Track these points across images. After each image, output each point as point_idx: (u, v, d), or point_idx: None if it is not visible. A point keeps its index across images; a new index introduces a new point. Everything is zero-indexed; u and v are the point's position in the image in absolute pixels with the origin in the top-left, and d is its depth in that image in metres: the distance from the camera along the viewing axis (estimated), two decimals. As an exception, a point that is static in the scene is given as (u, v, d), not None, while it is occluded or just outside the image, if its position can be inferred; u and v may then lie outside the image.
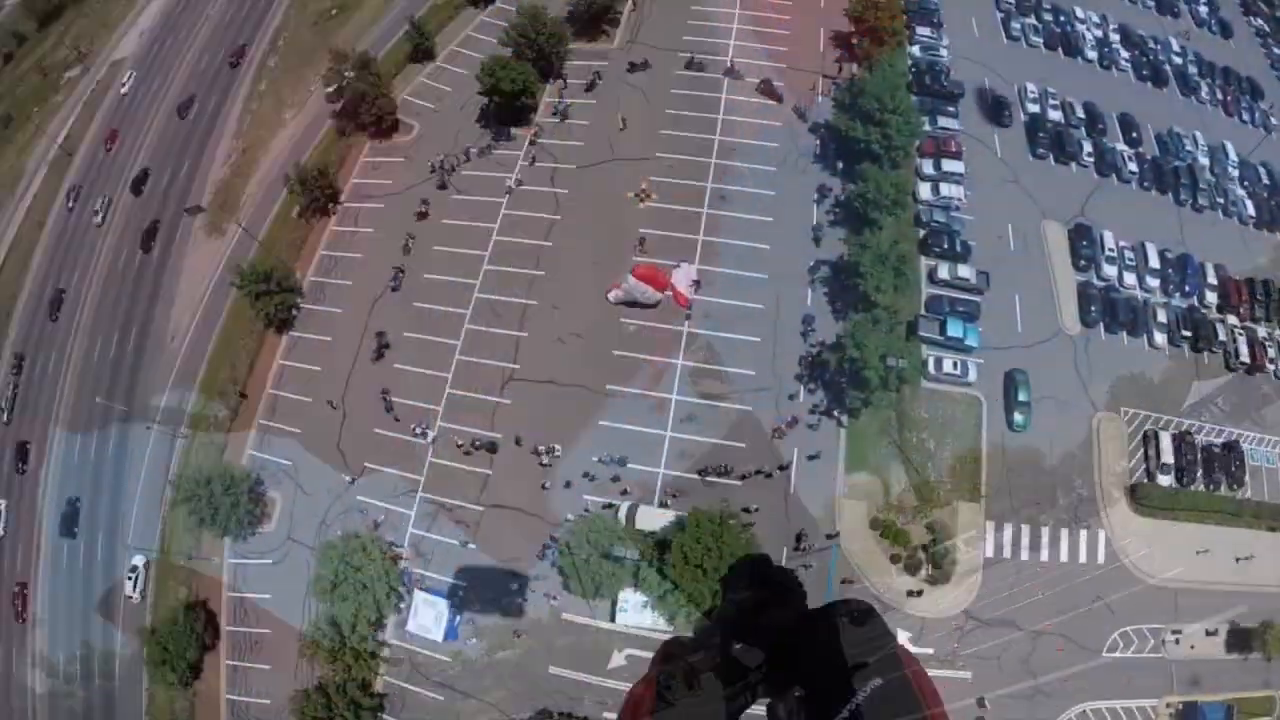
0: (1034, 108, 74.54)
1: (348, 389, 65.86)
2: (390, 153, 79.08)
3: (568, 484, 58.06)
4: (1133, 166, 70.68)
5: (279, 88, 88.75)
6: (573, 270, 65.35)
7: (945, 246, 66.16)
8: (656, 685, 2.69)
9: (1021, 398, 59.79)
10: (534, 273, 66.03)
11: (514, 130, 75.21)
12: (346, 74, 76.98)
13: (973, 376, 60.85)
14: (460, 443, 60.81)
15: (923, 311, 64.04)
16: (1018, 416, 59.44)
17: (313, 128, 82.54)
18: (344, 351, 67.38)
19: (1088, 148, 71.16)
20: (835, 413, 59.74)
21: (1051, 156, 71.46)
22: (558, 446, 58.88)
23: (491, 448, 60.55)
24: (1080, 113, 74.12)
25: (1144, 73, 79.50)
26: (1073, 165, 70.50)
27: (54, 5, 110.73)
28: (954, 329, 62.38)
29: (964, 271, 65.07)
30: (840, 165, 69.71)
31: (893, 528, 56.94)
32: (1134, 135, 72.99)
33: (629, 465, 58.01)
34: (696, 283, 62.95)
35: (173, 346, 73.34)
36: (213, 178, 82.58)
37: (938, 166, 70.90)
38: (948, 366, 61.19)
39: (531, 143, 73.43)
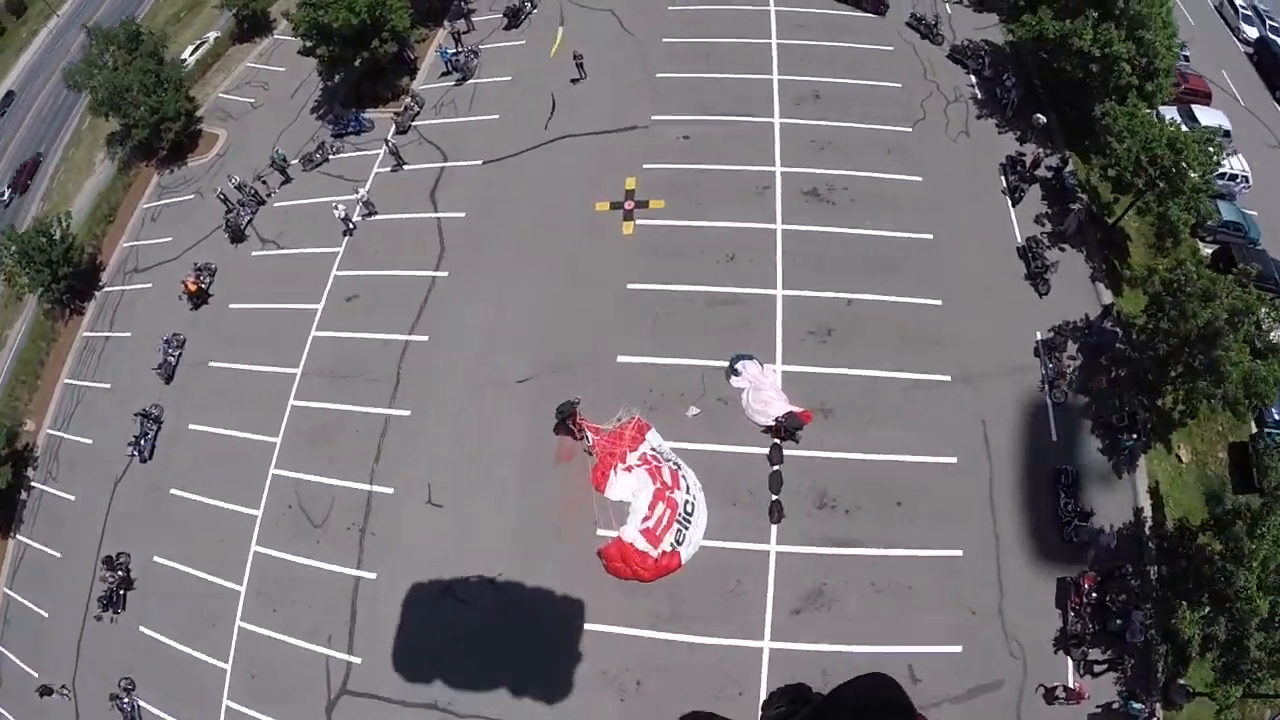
0: (1250, 30, 43.48)
1: (80, 662, 29.80)
2: (178, 188, 43.85)
3: None
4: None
5: (99, 123, 56.16)
6: (471, 404, 27.63)
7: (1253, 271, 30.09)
8: None
9: None
10: (389, 413, 28.26)
11: (369, 114, 38.42)
12: (105, 61, 43.30)
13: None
14: None
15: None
16: None
17: (125, 169, 49.34)
18: (75, 581, 31.47)
19: (1342, 90, 40.59)
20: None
21: (1305, 104, 39.59)
22: None
23: None
24: (1310, 38, 43.94)
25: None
26: (1330, 118, 38.75)
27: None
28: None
29: (1306, 323, 28.57)
30: (1039, 117, 32.67)
31: None
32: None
33: None
34: (791, 420, 24.22)
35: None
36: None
37: (1189, 118, 35.34)
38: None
39: (399, 129, 36.47)
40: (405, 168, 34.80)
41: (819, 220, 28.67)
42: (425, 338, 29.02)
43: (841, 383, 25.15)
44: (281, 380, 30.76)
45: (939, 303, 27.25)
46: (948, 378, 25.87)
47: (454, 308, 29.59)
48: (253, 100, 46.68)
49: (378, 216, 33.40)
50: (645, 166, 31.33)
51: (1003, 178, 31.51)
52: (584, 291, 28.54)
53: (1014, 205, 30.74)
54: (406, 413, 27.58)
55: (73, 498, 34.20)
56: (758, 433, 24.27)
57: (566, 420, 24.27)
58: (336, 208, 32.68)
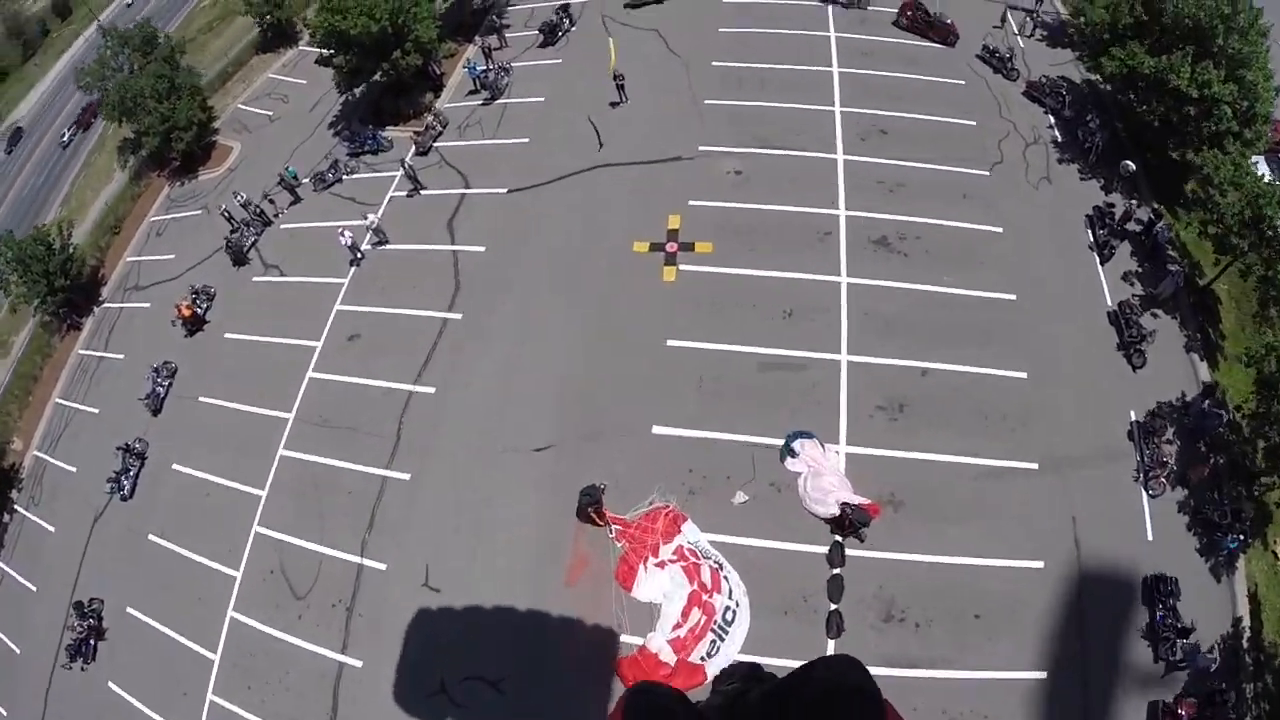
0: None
1: (48, 708, 26.69)
2: (186, 202, 41.52)
3: None
4: None
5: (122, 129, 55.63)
6: (480, 472, 24.27)
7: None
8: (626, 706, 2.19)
9: None
10: (387, 475, 24.94)
11: (387, 132, 35.58)
12: (119, 63, 41.78)
13: None
14: None
15: None
16: None
17: (137, 178, 47.79)
18: (48, 621, 28.39)
19: None
20: None
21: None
22: None
23: None
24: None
25: None
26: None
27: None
28: None
29: None
30: (1128, 164, 29.23)
31: None
32: None
33: None
34: (857, 513, 20.42)
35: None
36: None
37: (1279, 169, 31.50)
38: None
39: (419, 149, 33.51)
40: (422, 193, 31.79)
41: (890, 274, 25.15)
42: (432, 389, 25.68)
43: (915, 469, 21.51)
44: (272, 425, 27.67)
45: (1024, 375, 23.64)
46: (1035, 465, 22.21)
47: (466, 356, 26.26)
48: (270, 113, 44.41)
49: (389, 246, 30.32)
50: (691, 203, 27.96)
51: (1089, 231, 28.00)
52: (616, 346, 25.09)
53: (1102, 263, 27.19)
54: (406, 476, 24.21)
55: (53, 529, 31.52)
56: (816, 527, 20.66)
57: (590, 509, 20.76)
58: (343, 234, 29.62)
